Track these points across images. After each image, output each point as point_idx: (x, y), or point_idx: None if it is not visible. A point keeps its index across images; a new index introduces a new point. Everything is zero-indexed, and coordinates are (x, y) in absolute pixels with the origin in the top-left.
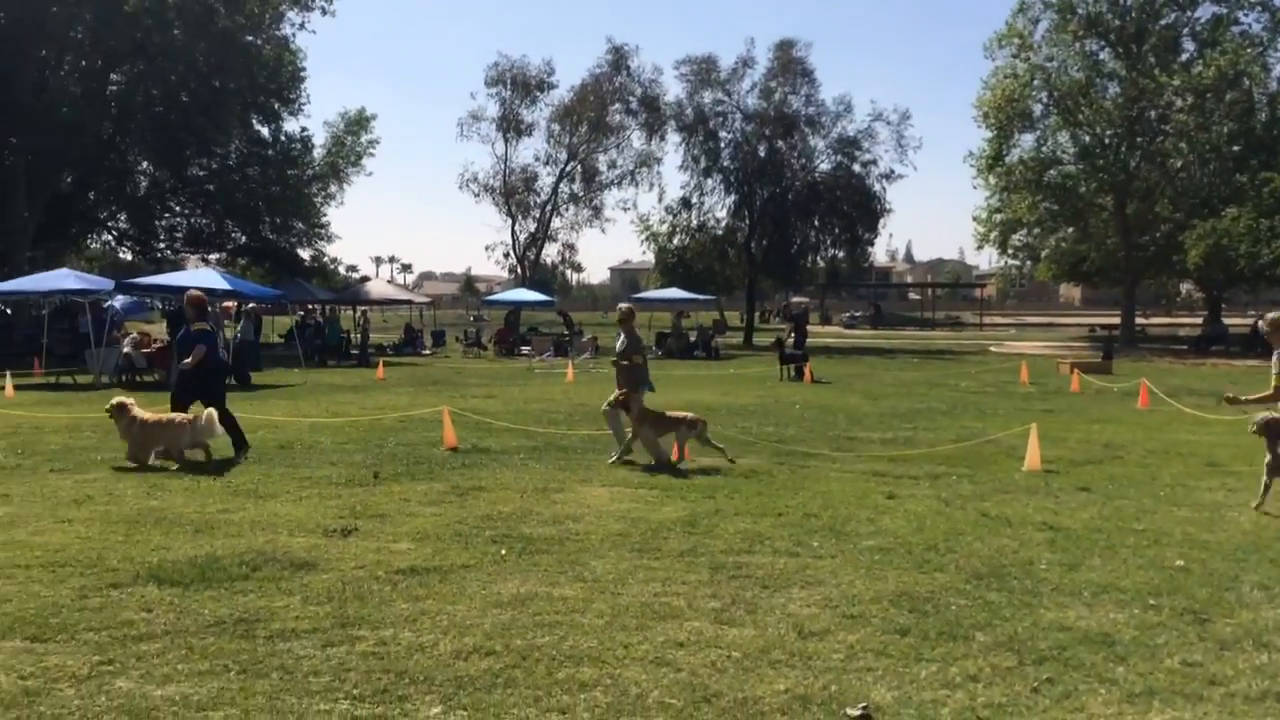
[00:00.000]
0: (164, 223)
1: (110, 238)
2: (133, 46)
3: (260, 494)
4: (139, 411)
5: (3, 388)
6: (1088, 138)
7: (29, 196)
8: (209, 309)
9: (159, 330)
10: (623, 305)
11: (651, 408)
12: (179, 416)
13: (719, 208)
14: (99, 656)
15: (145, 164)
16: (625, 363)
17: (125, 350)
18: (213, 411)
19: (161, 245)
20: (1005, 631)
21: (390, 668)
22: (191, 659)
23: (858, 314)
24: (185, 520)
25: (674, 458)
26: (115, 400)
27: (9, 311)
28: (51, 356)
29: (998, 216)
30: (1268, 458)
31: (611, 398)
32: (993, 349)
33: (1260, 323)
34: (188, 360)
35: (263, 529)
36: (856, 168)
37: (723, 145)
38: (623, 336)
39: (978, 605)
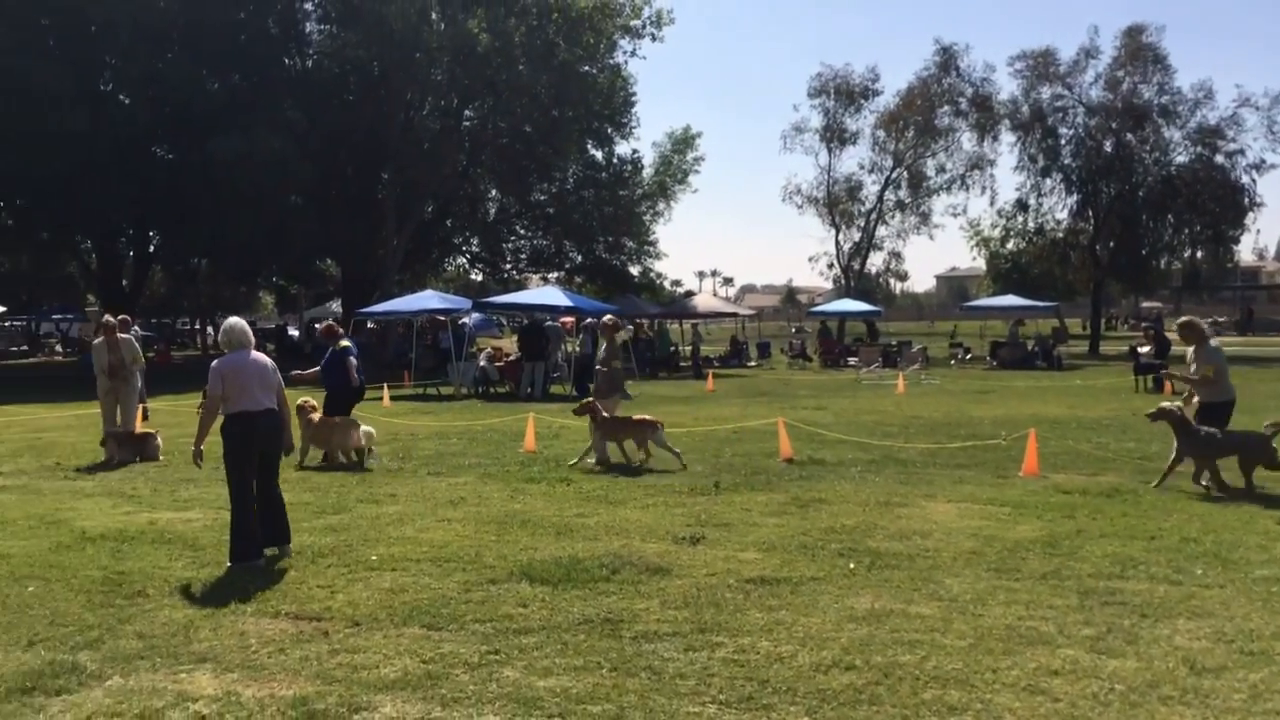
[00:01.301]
0: (510, 245)
1: (464, 260)
2: (484, 84)
3: (611, 500)
4: (314, 414)
5: (381, 398)
6: None
7: (398, 225)
8: (341, 332)
9: (509, 345)
10: (607, 317)
11: (618, 416)
12: (347, 420)
13: (1059, 209)
14: (486, 646)
15: (494, 191)
16: (604, 369)
17: (481, 364)
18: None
19: (508, 266)
20: None
21: (752, 675)
22: (566, 654)
23: (1221, 319)
24: (547, 523)
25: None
26: (298, 401)
27: (377, 328)
28: (418, 370)
29: None
30: (1175, 443)
31: (579, 404)
32: None
33: (1175, 325)
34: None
35: (616, 534)
36: (1219, 159)
37: (1063, 142)
38: (604, 345)
39: None
